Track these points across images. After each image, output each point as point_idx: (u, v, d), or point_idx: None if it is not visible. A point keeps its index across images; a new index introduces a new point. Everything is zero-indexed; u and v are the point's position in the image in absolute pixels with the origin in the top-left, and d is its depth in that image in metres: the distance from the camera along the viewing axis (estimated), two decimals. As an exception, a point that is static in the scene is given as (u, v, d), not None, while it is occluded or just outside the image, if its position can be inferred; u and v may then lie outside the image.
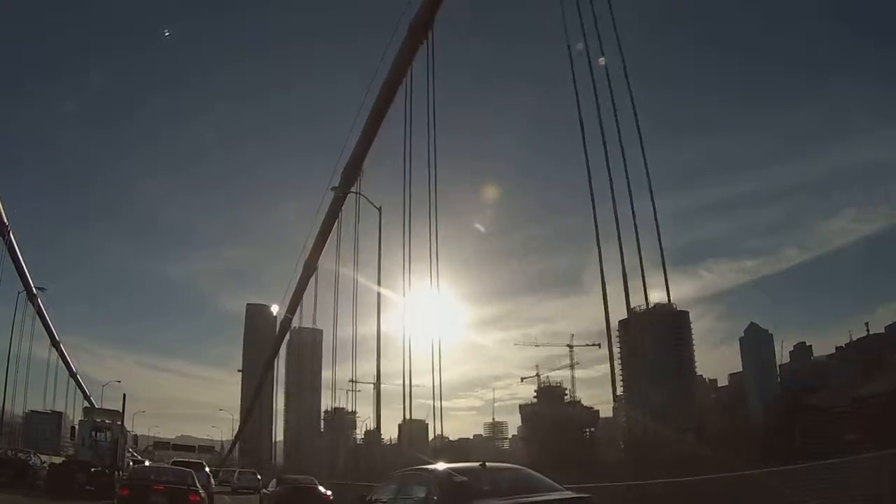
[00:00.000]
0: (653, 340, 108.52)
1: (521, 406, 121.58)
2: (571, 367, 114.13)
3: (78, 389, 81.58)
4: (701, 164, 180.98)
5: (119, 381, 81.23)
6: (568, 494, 7.89)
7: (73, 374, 78.25)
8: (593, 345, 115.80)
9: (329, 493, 20.67)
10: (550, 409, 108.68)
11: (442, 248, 22.12)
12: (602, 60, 14.92)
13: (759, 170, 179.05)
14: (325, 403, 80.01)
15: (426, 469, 9.00)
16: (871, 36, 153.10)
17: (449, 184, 26.78)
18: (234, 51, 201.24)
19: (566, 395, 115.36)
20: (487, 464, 8.62)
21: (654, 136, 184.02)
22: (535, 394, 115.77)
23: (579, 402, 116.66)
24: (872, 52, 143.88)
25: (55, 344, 71.36)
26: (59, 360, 73.35)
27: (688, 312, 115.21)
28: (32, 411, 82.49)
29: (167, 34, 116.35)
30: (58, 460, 29.24)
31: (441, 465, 9.03)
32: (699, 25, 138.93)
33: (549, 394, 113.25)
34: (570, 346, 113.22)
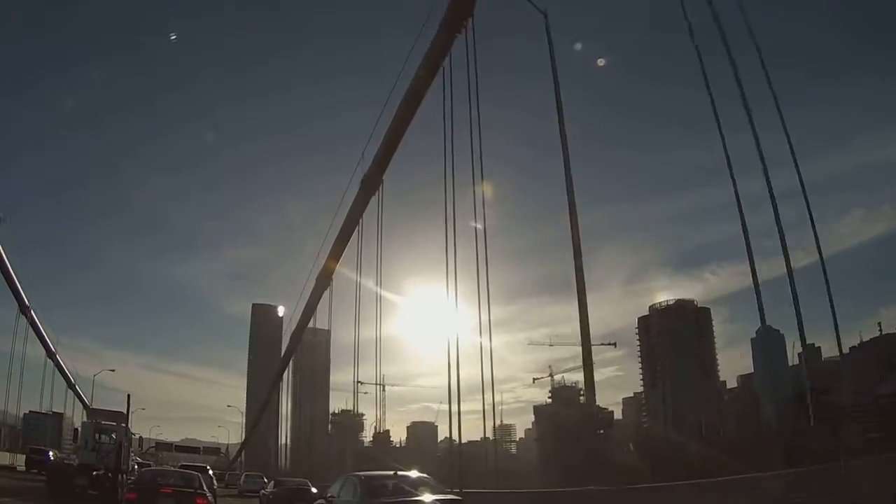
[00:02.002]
0: (673, 338, 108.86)
1: (535, 407, 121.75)
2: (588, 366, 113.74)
3: (64, 381, 72.54)
4: (705, 165, 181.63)
5: (113, 370, 76.34)
6: (447, 497, 11.40)
7: (51, 355, 67.72)
8: (609, 344, 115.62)
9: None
10: (567, 409, 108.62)
11: (442, 251, 21.98)
12: (601, 61, 15.09)
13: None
14: (333, 405, 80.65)
15: (356, 474, 12.83)
16: (876, 33, 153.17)
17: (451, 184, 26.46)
18: (237, 51, 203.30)
19: (581, 395, 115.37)
20: (398, 472, 12.57)
21: (658, 137, 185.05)
22: (549, 394, 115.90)
23: (598, 405, 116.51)
24: (877, 49, 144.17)
25: (24, 310, 59.50)
26: (30, 328, 61.25)
27: (709, 309, 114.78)
28: (31, 412, 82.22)
29: (173, 37, 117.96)
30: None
31: (366, 473, 13.11)
32: (703, 25, 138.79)
33: (564, 394, 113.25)
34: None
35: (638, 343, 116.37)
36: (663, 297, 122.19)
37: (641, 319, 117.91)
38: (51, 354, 67.54)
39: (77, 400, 77.57)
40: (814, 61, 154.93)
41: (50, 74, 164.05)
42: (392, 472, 12.46)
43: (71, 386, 70.78)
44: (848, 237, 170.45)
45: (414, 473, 13.02)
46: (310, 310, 46.05)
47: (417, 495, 10.90)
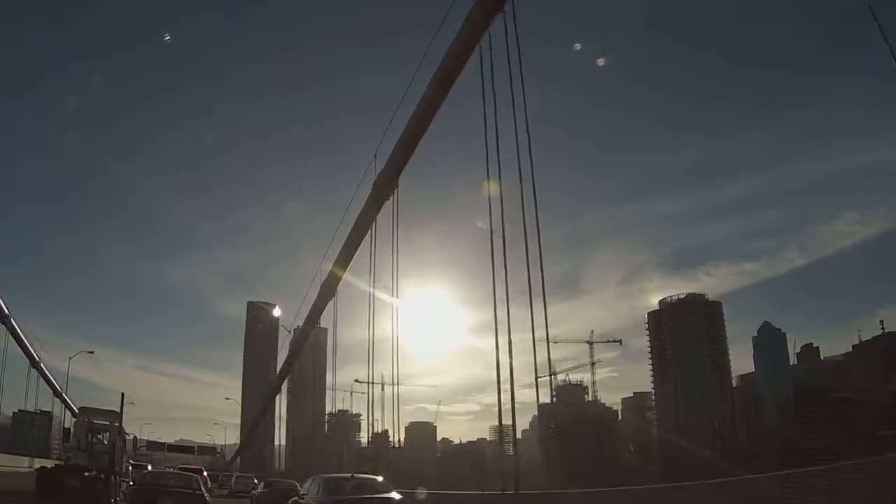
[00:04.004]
0: (684, 333, 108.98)
1: (539, 405, 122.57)
2: (592, 364, 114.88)
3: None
4: (701, 166, 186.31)
5: (92, 352, 69.41)
6: (394, 496, 13.64)
7: (4, 319, 54.44)
8: (614, 341, 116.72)
9: None
10: (572, 408, 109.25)
11: (441, 251, 22.13)
12: (601, 61, 15.05)
13: (759, 172, 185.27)
14: (329, 405, 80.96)
15: (322, 475, 15.80)
16: (871, 36, 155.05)
17: (449, 184, 26.57)
18: (235, 52, 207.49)
19: (586, 394, 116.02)
20: (355, 475, 15.69)
21: (654, 137, 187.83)
22: (554, 394, 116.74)
23: (602, 402, 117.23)
24: (872, 52, 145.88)
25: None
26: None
27: (720, 303, 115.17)
28: (21, 411, 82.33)
29: (167, 38, 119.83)
30: (48, 463, 29.94)
31: (330, 475, 16.47)
32: (699, 27, 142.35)
33: (569, 393, 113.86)
34: (590, 343, 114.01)
35: (648, 340, 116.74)
36: (659, 297, 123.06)
37: (651, 314, 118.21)
38: (4, 319, 54.65)
39: (40, 379, 66.24)
40: (809, 63, 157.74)
41: (45, 77, 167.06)
42: (350, 475, 15.79)
43: (35, 364, 62.24)
44: (842, 238, 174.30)
45: (373, 476, 16.38)
46: (314, 317, 46.04)
47: (369, 493, 13.97)
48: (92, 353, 70.83)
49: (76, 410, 66.56)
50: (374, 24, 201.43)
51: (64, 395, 67.39)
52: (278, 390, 67.12)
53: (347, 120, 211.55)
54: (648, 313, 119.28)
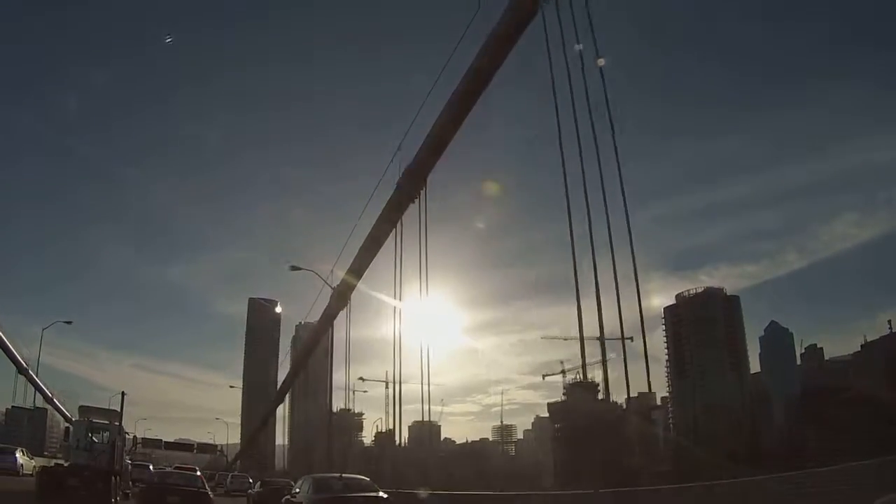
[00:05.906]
0: (702, 328, 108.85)
1: (549, 404, 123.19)
2: (604, 361, 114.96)
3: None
4: (700, 168, 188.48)
5: (70, 322, 65.85)
6: (379, 495, 15.07)
7: None
8: (626, 338, 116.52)
9: None
10: (586, 405, 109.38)
11: (439, 252, 22.43)
12: (601, 61, 15.11)
13: (759, 174, 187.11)
14: (332, 405, 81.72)
15: (311, 475, 17.44)
16: (870, 38, 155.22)
17: (448, 185, 26.50)
18: (237, 56, 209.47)
19: (598, 392, 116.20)
20: (343, 475, 17.17)
21: (654, 139, 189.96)
22: (564, 391, 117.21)
23: (615, 401, 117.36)
24: (871, 54, 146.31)
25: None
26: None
27: (738, 297, 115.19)
28: (14, 407, 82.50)
29: (168, 39, 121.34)
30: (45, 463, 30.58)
31: (319, 475, 18.09)
32: (697, 29, 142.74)
33: (582, 390, 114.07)
34: (601, 340, 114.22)
35: (665, 334, 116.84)
36: (659, 299, 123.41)
37: (667, 308, 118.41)
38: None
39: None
40: (808, 64, 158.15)
41: (50, 80, 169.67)
42: (339, 475, 17.32)
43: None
44: (842, 240, 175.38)
45: (360, 476, 17.78)
46: (325, 325, 46.27)
47: (355, 491, 15.37)
48: (70, 322, 66.60)
49: (48, 394, 67.07)
50: (378, 31, 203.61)
51: (30, 372, 65.35)
52: (287, 390, 67.27)
53: (350, 126, 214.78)
54: (665, 308, 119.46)
